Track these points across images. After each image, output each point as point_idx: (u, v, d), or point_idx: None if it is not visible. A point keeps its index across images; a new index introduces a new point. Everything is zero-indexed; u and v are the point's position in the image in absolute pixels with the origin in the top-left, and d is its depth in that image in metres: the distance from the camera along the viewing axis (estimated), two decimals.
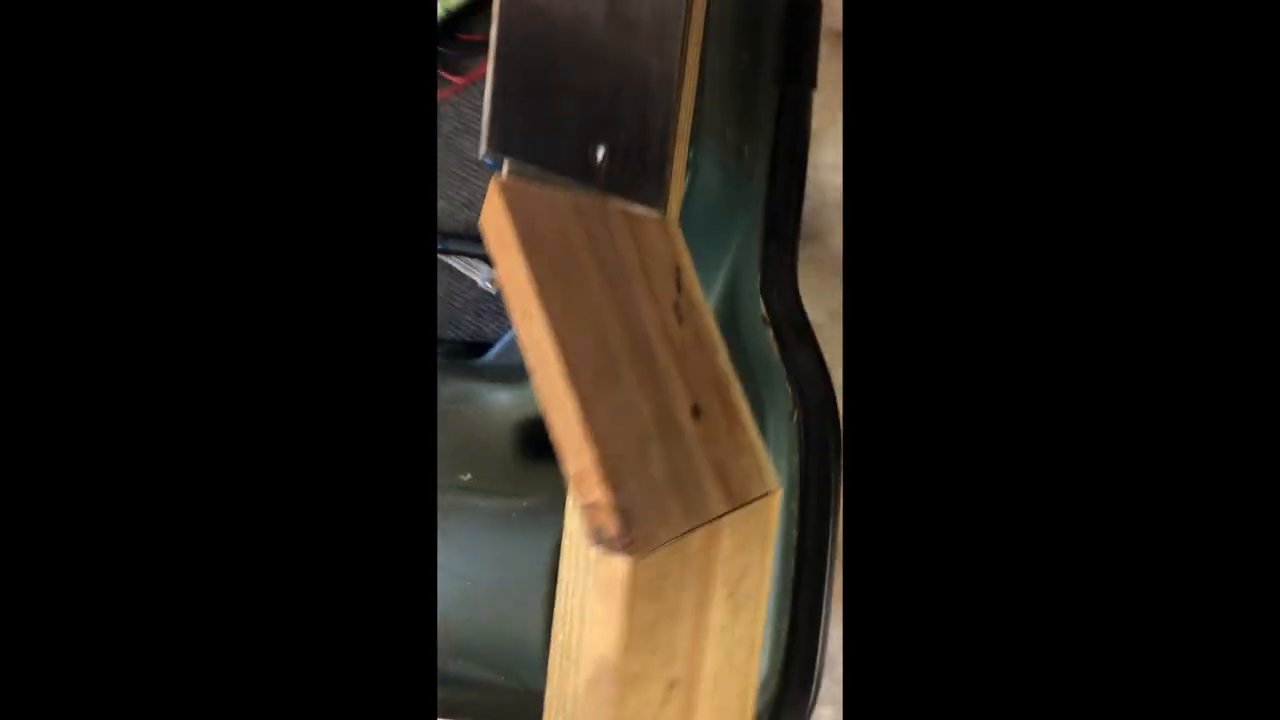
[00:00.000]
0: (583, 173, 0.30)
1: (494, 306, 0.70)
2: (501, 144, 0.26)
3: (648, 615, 0.25)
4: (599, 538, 0.24)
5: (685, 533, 0.26)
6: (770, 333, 0.48)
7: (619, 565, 0.23)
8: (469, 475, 0.47)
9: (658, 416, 0.28)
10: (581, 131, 0.30)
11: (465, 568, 0.45)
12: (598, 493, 0.24)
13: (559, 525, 0.50)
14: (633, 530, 0.24)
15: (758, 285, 0.49)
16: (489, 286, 0.67)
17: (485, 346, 0.60)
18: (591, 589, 0.24)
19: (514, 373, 0.50)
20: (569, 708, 0.30)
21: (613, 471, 0.24)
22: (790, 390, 0.47)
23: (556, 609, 0.43)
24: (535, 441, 0.49)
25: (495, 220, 0.26)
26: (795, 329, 0.50)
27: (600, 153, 0.31)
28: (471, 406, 0.49)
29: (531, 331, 0.25)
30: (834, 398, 0.48)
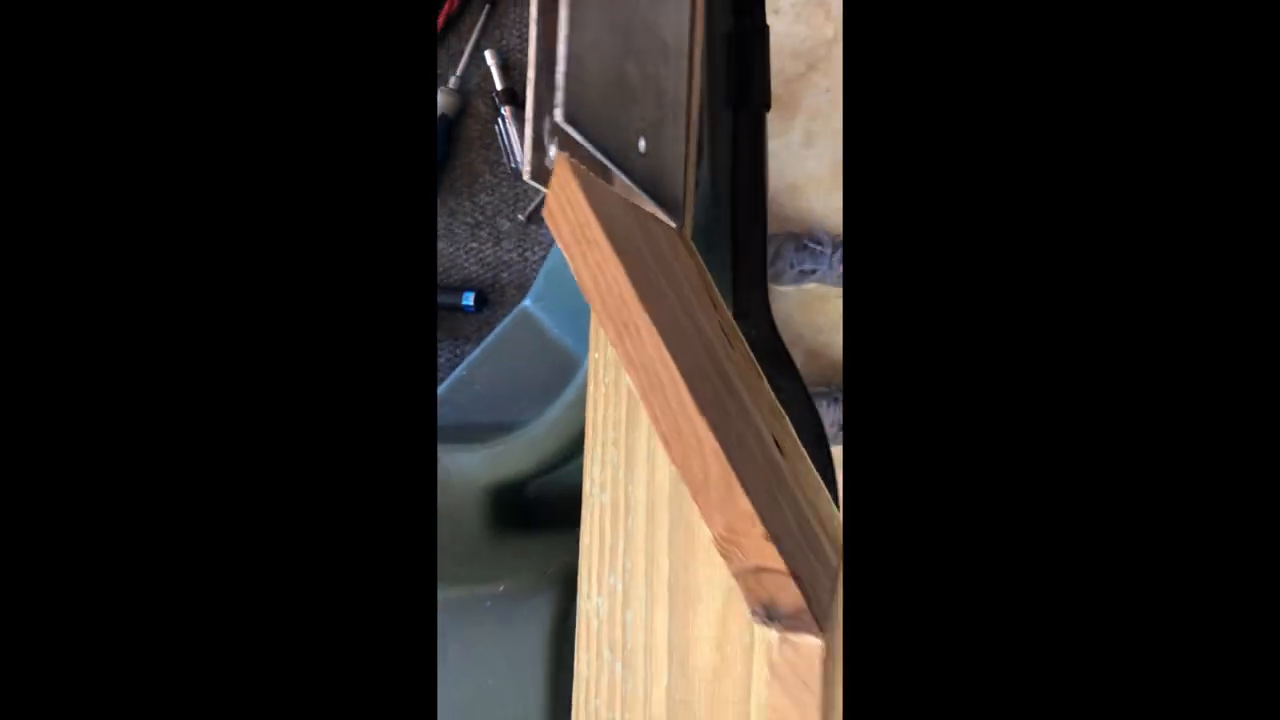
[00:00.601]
0: (626, 163, 0.25)
1: None
2: (573, 113, 0.20)
3: (828, 710, 0.19)
4: (772, 613, 0.18)
5: (833, 597, 0.21)
6: None
7: (812, 649, 0.17)
8: None
9: (763, 453, 0.23)
10: (628, 117, 0.25)
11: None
12: (765, 554, 0.18)
13: (549, 612, 0.42)
14: (813, 600, 0.18)
15: (731, 314, 0.45)
16: None
17: None
18: (771, 685, 0.18)
19: (474, 431, 0.42)
20: None
21: (772, 524, 0.18)
22: None
23: (576, 716, 0.34)
24: (508, 510, 0.41)
25: (574, 209, 0.20)
26: (773, 357, 0.46)
27: (643, 144, 0.26)
28: None
29: (641, 349, 0.19)
30: (820, 421, 0.45)
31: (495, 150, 0.57)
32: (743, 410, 0.23)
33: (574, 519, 0.43)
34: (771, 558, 0.17)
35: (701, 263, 0.33)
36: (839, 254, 1.18)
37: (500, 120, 0.56)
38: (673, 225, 0.32)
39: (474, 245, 0.57)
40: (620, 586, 0.34)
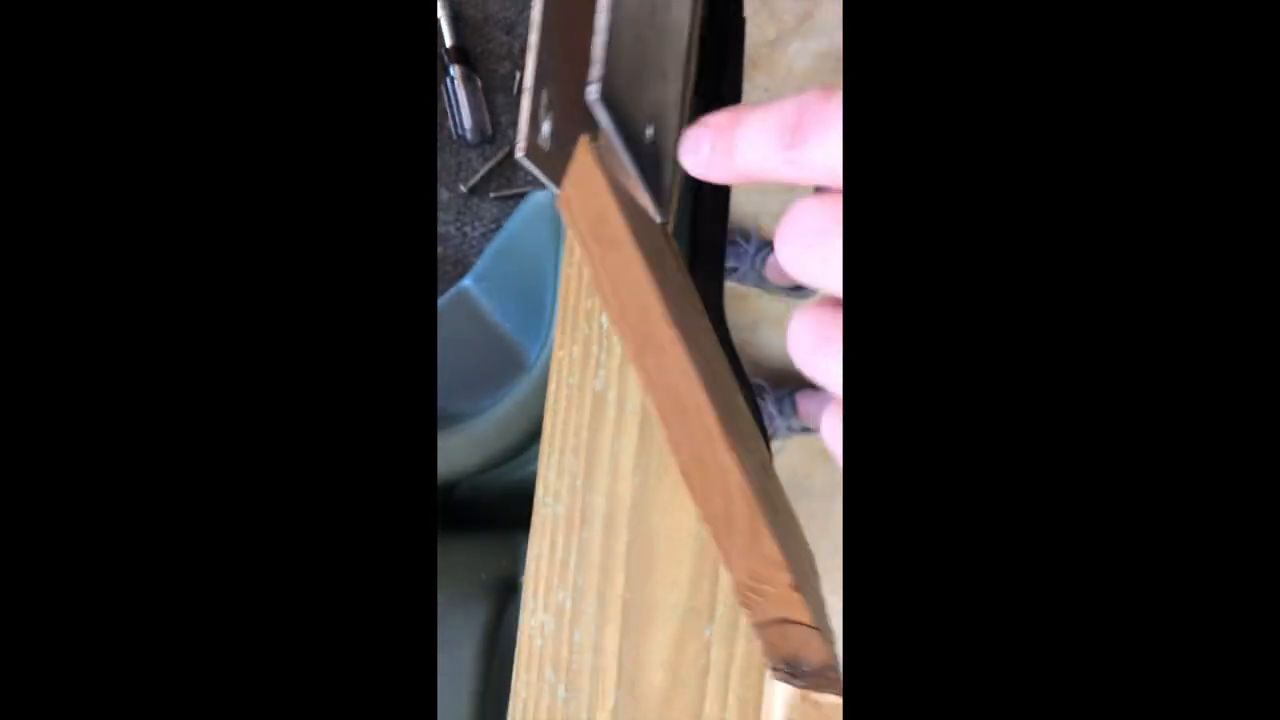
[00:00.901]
0: (636, 151, 0.23)
1: None
2: (607, 92, 0.18)
3: None
4: (795, 669, 0.16)
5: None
6: None
7: (835, 709, 0.16)
8: None
9: (768, 487, 0.21)
10: (642, 101, 0.22)
11: None
12: (792, 605, 0.16)
13: (481, 623, 0.39)
14: (833, 654, 0.16)
15: None
16: None
17: None
18: None
19: None
20: None
21: (799, 574, 0.17)
22: None
23: None
24: (441, 511, 0.37)
25: (596, 202, 0.17)
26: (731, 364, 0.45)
27: (650, 132, 0.24)
28: None
29: (665, 368, 0.17)
30: (764, 428, 0.45)
31: (439, 113, 0.52)
32: (743, 436, 0.22)
33: (507, 521, 0.40)
34: (798, 610, 0.16)
35: (684, 264, 0.31)
36: (761, 254, 1.20)
37: (448, 81, 0.51)
38: (658, 220, 0.30)
39: None
40: (570, 604, 0.31)
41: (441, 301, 0.47)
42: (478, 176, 0.52)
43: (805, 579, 0.17)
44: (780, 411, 1.27)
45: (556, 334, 0.33)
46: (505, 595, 0.37)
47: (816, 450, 1.26)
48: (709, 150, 0.19)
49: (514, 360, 0.44)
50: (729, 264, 1.23)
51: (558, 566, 0.31)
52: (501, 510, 0.39)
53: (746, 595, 0.16)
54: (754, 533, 0.16)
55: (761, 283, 1.22)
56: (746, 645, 0.27)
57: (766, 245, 1.21)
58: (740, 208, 1.26)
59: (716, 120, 0.18)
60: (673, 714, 0.30)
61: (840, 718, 0.16)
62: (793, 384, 1.23)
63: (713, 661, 0.30)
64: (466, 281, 0.47)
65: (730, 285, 1.24)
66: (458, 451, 0.36)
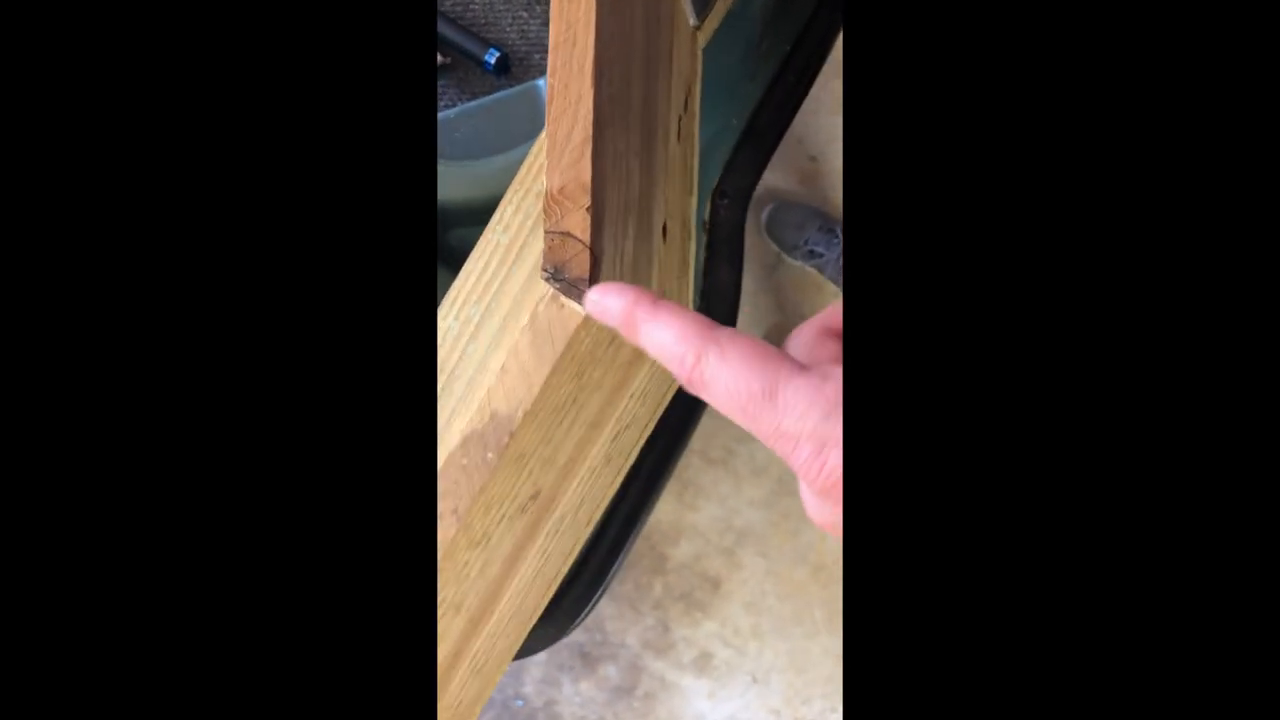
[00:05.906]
0: None
1: None
2: None
3: (564, 390, 0.20)
4: (558, 274, 0.19)
5: None
6: (704, 238, 0.45)
7: (574, 316, 0.18)
8: None
9: (641, 203, 0.23)
10: None
11: None
12: (579, 225, 0.19)
13: None
14: (593, 275, 0.19)
15: (713, 187, 0.45)
16: None
17: None
18: (525, 329, 0.19)
19: None
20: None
21: (599, 208, 0.19)
22: (698, 301, 0.44)
23: None
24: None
25: None
26: (727, 246, 0.47)
27: None
28: None
29: (575, 7, 0.19)
30: (734, 321, 0.46)
31: None
32: (648, 167, 0.24)
33: None
34: (581, 230, 0.18)
35: (698, 69, 0.33)
36: None
37: None
38: (691, 20, 0.32)
39: (523, 14, 0.56)
40: (477, 319, 0.35)
41: (511, 90, 0.50)
42: None
43: (608, 223, 0.20)
44: None
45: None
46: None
47: None
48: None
49: None
50: (819, 249, 1.22)
51: (481, 286, 0.35)
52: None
53: (550, 205, 0.19)
54: (579, 157, 0.18)
55: (839, 278, 1.21)
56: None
57: None
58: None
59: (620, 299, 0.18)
60: None
61: (577, 325, 0.19)
62: None
63: None
64: (539, 81, 0.50)
65: (810, 271, 1.23)
66: (452, 180, 0.40)
